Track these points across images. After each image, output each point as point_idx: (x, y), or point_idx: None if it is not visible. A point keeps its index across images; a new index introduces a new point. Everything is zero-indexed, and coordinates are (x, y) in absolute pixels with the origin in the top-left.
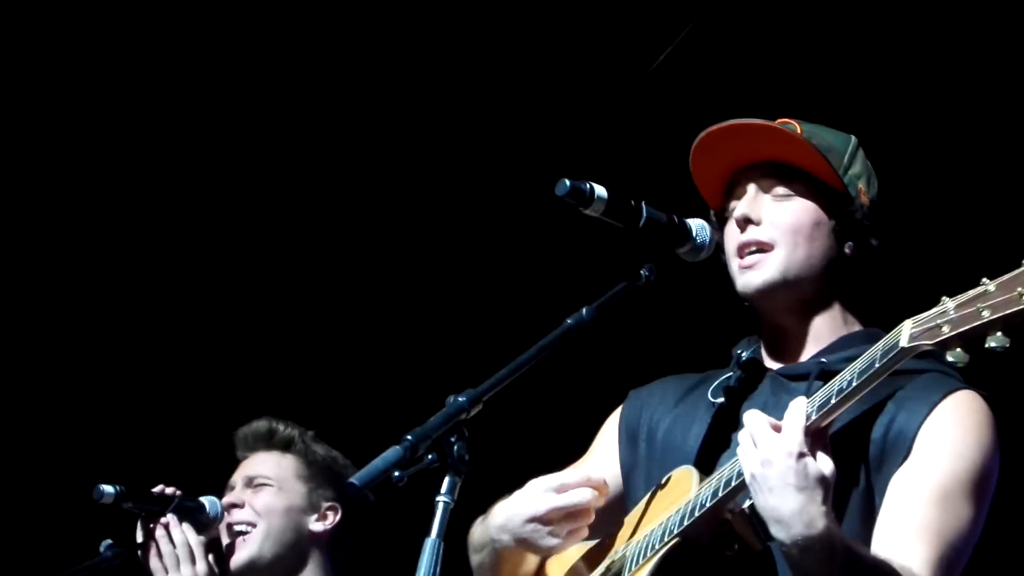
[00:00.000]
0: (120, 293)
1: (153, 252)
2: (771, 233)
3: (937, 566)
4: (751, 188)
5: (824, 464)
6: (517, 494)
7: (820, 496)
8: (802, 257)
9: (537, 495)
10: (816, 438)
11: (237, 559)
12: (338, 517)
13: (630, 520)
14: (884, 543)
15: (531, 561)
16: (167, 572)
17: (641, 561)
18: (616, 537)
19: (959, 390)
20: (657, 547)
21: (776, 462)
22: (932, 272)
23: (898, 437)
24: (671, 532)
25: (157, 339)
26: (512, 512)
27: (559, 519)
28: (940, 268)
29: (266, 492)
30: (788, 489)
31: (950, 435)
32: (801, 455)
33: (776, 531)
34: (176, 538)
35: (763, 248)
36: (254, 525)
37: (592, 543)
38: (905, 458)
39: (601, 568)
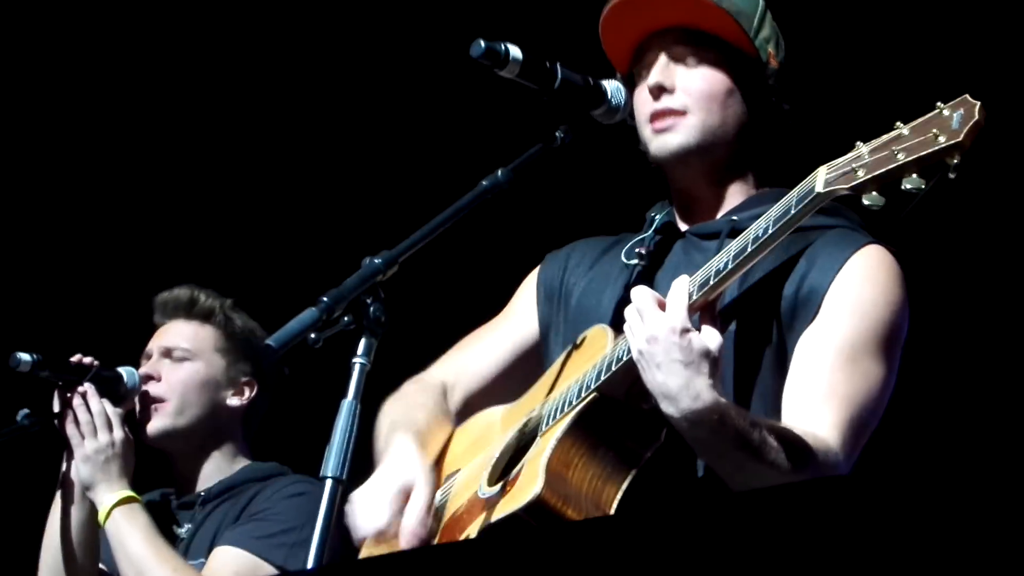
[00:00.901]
0: (36, 154)
1: (75, 111)
2: (684, 100)
3: (846, 427)
4: (663, 56)
5: (709, 338)
6: (401, 457)
7: (706, 370)
8: (716, 123)
9: (383, 509)
10: (704, 311)
11: (151, 428)
12: (254, 392)
13: (546, 380)
14: (792, 408)
15: (439, 435)
16: (83, 440)
17: (558, 416)
18: (532, 397)
19: (869, 245)
20: (574, 402)
21: (661, 339)
22: (843, 130)
23: (809, 294)
24: (588, 388)
25: (74, 204)
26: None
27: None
28: (850, 124)
29: (184, 366)
30: (673, 365)
31: (858, 292)
32: (685, 331)
33: (665, 406)
34: (93, 407)
35: (677, 115)
36: (169, 400)
37: (509, 405)
38: (814, 316)
39: (517, 426)
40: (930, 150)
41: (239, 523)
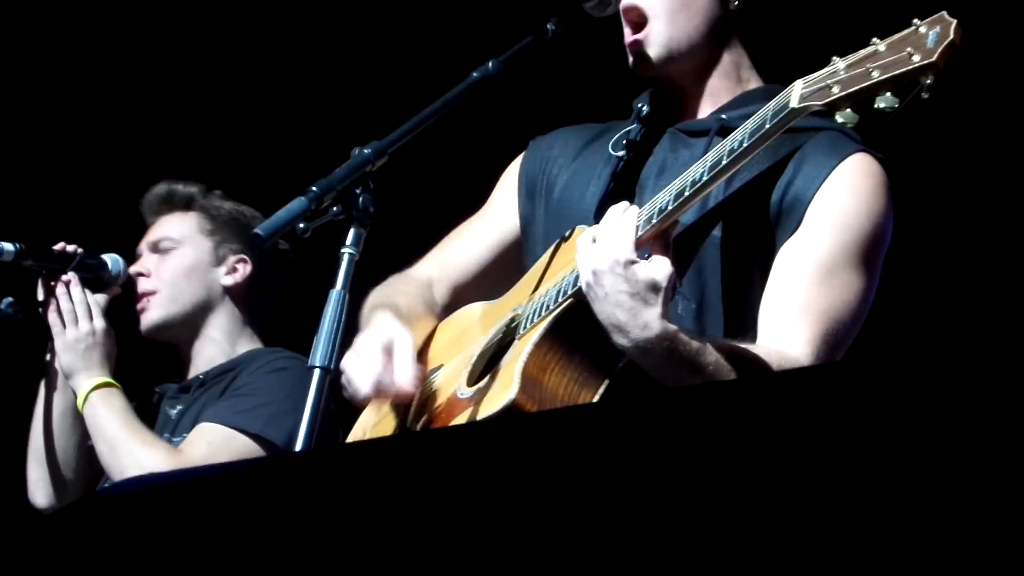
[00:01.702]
0: (25, 44)
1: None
2: (647, 3)
3: (819, 341)
4: None
5: (657, 268)
6: (381, 324)
7: (654, 299)
8: (682, 24)
9: (373, 358)
10: (656, 240)
11: (147, 321)
12: (249, 269)
13: (530, 278)
14: (767, 323)
15: (422, 324)
16: (65, 328)
17: (536, 320)
18: (516, 294)
19: (856, 154)
20: (551, 307)
21: (605, 271)
22: (827, 31)
23: (794, 203)
24: (565, 292)
25: (62, 98)
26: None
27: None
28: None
29: (171, 255)
30: (619, 296)
31: (841, 204)
32: (630, 262)
33: (616, 338)
34: (75, 295)
35: (642, 17)
36: (159, 290)
37: (492, 301)
38: (797, 227)
39: (499, 325)
40: (903, 69)
41: (221, 399)
